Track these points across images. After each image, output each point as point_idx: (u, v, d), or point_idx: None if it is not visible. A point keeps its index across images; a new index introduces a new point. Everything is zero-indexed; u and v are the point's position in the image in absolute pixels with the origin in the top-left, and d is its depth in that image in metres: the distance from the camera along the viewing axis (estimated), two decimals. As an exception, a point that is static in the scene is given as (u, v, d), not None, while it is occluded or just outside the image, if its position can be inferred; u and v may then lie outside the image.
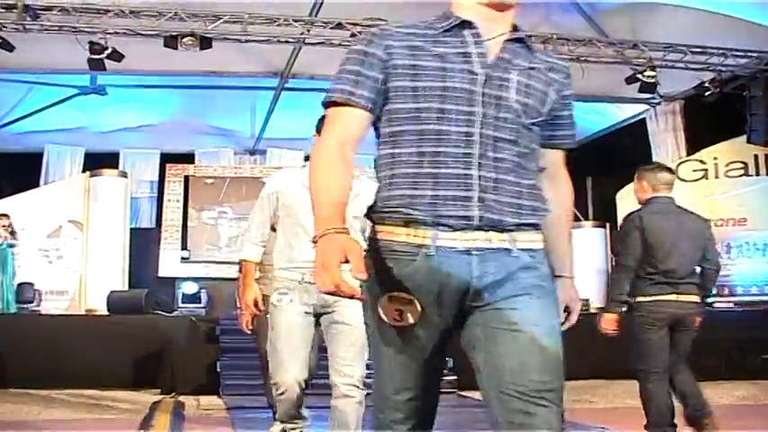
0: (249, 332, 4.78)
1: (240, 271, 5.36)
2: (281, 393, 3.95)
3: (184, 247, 14.40)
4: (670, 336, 4.79)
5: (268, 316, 4.45)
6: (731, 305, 12.03)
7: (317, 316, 3.98)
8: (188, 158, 15.21)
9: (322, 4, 10.18)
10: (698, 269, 4.98)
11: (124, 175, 13.79)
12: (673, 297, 4.75)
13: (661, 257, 4.78)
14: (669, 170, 5.30)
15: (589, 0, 11.05)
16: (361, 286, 2.08)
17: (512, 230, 2.06)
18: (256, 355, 8.71)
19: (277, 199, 4.14)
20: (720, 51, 10.93)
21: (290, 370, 3.90)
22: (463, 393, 8.42)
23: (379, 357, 2.20)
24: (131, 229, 13.63)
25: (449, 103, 2.03)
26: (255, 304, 4.26)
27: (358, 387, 3.83)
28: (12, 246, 11.27)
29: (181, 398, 7.97)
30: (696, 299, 4.84)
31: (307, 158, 3.86)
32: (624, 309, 4.79)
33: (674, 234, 4.85)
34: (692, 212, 5.28)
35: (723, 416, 6.80)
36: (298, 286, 3.95)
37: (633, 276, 4.79)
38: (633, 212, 5.09)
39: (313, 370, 4.35)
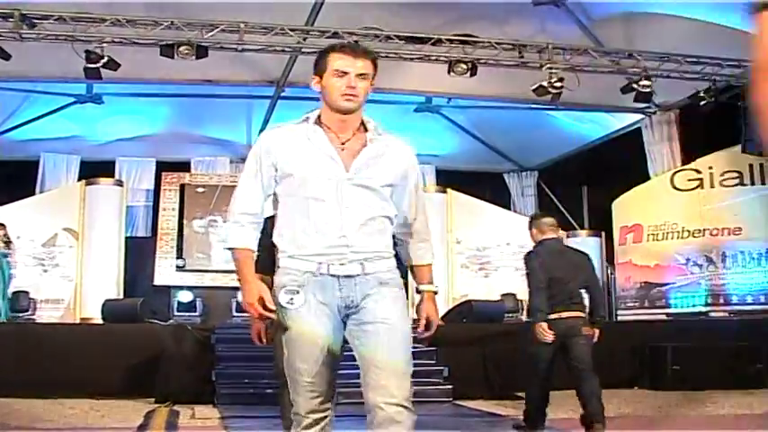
0: (262, 344, 4.09)
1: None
2: (308, 427, 2.98)
3: (180, 256, 14.39)
4: (567, 345, 5.97)
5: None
6: (726, 314, 12.05)
7: (344, 318, 3.03)
8: (184, 167, 15.21)
9: (318, 13, 10.20)
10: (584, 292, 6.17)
11: (120, 183, 13.81)
12: (564, 314, 5.92)
13: (552, 285, 5.96)
14: (550, 215, 6.52)
15: (584, 10, 11.09)
16: None
17: None
18: (251, 364, 8.76)
19: (275, 166, 3.05)
20: (715, 61, 10.98)
21: (311, 397, 2.96)
22: (458, 402, 8.42)
23: None
24: (127, 237, 13.64)
25: None
26: (263, 304, 2.99)
27: (407, 408, 2.86)
28: (6, 255, 11.25)
29: (176, 407, 7.94)
30: (579, 314, 5.99)
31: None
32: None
33: (559, 267, 6.03)
34: (575, 249, 6.67)
35: (719, 426, 6.82)
36: (312, 280, 2.96)
37: (547, 294, 5.94)
38: (531, 251, 6.21)
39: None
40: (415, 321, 3.13)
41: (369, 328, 2.95)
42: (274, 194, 3.11)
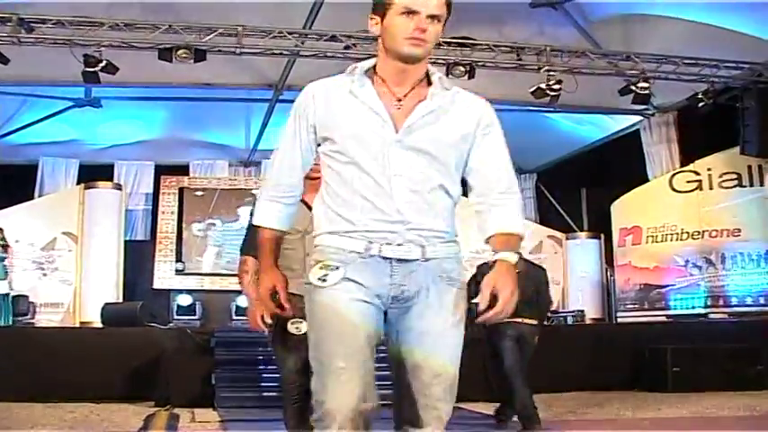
0: (266, 329, 3.65)
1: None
2: (327, 428, 2.32)
3: (179, 260, 14.39)
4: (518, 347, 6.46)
5: (295, 325, 3.31)
6: (726, 316, 12.06)
7: (387, 310, 2.47)
8: (183, 170, 15.21)
9: (316, 16, 10.20)
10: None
11: (119, 187, 13.80)
12: (517, 320, 6.31)
13: None
14: None
15: (582, 12, 11.10)
16: None
17: None
18: (251, 367, 8.76)
19: (313, 127, 2.54)
20: (713, 63, 10.99)
21: (347, 388, 2.31)
22: (458, 405, 8.40)
23: None
24: (126, 241, 13.62)
25: None
26: (275, 300, 2.62)
27: None
28: (2, 259, 11.22)
29: (175, 410, 7.93)
30: (534, 322, 6.50)
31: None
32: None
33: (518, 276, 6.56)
34: (532, 263, 7.17)
35: (719, 427, 6.81)
36: (357, 260, 2.42)
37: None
38: (485, 263, 6.56)
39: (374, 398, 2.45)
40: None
41: (415, 340, 2.45)
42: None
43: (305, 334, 2.86)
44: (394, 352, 2.49)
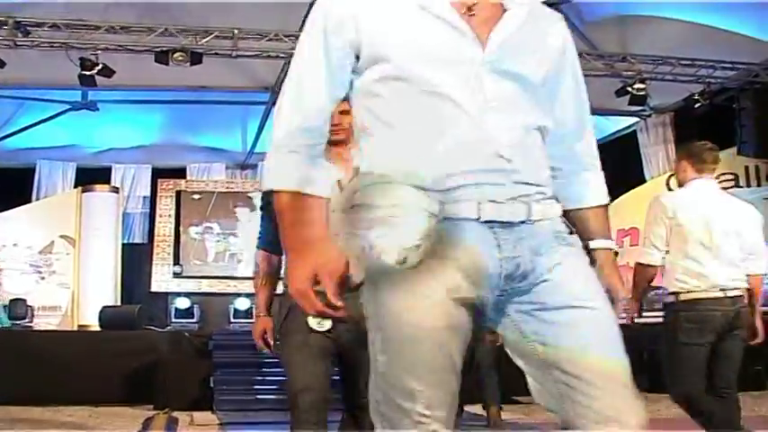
0: (267, 349, 3.21)
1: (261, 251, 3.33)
2: None
3: (177, 263, 14.37)
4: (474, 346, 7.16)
5: (317, 318, 2.38)
6: (724, 316, 12.03)
7: (498, 297, 1.73)
8: (180, 173, 15.20)
9: (313, 18, 10.20)
10: None
11: (116, 190, 13.79)
12: None
13: None
14: None
15: (578, 12, 11.11)
16: None
17: None
18: (249, 370, 8.75)
19: (355, 46, 1.77)
20: (709, 63, 11.00)
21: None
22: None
23: None
24: (123, 244, 13.62)
25: None
26: (332, 305, 1.71)
27: None
28: None
29: (174, 413, 7.93)
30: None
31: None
32: None
33: None
34: None
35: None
36: (444, 227, 1.64)
37: None
38: None
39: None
40: None
41: (561, 317, 1.70)
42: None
43: (329, 330, 2.56)
44: (525, 348, 1.77)
